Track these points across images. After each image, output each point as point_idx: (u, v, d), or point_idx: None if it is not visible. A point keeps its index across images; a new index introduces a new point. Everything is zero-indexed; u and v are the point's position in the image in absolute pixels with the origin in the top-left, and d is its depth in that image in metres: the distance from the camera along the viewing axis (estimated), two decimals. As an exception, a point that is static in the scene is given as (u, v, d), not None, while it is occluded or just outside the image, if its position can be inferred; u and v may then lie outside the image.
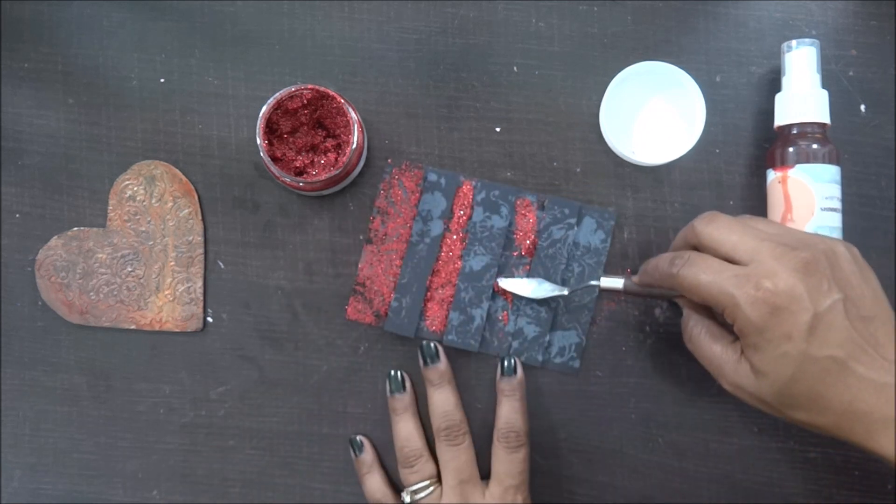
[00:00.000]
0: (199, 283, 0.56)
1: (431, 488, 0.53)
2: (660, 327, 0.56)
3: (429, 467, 0.54)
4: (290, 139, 0.53)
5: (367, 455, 0.55)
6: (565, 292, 0.54)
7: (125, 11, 0.57)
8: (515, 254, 0.56)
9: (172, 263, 0.56)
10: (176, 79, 0.57)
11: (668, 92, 0.56)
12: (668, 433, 0.56)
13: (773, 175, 0.54)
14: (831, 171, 0.53)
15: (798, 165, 0.53)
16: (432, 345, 0.54)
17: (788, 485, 0.56)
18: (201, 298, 0.56)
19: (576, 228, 0.56)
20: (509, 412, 0.53)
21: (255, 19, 0.57)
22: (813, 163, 0.52)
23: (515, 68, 0.57)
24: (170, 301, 0.56)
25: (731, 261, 0.45)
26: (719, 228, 0.46)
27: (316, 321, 0.56)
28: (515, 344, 0.55)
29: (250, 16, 0.57)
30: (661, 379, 0.56)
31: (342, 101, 0.51)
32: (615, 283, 0.52)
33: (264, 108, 0.51)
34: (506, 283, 0.55)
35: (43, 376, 0.56)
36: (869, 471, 0.56)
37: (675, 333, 0.56)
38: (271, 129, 0.52)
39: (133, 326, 0.56)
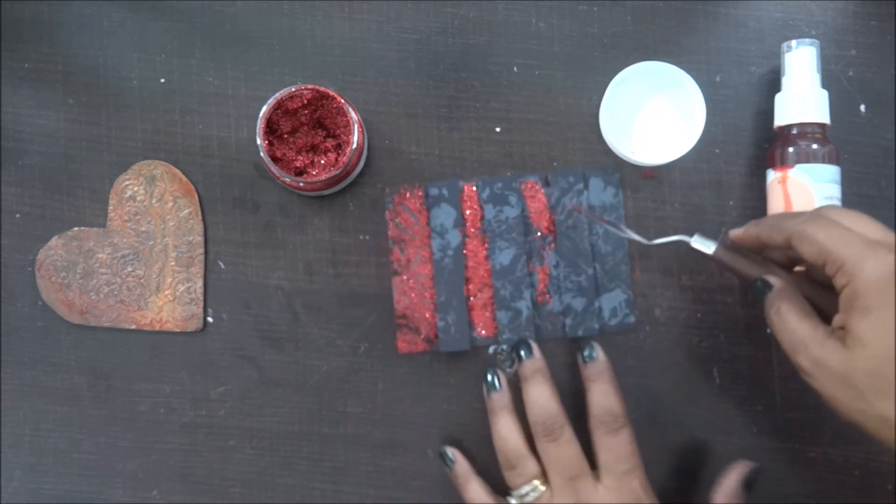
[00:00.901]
0: (200, 283, 0.56)
1: (541, 489, 0.50)
2: (660, 327, 0.56)
3: (532, 466, 0.51)
4: (290, 139, 0.53)
5: (461, 466, 0.53)
6: (644, 241, 0.52)
7: (125, 11, 0.57)
8: (538, 236, 0.56)
9: (173, 263, 0.56)
10: (176, 79, 0.57)
11: (668, 92, 0.56)
12: (668, 433, 0.56)
13: (773, 175, 0.54)
14: (831, 171, 0.53)
15: (798, 165, 0.53)
16: (527, 341, 0.54)
17: (788, 485, 0.56)
18: (201, 298, 0.56)
19: (586, 192, 0.56)
20: (600, 396, 0.51)
21: (255, 19, 0.57)
22: (813, 163, 0.52)
23: (515, 68, 0.57)
24: (170, 301, 0.56)
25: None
26: (848, 216, 0.43)
27: (316, 321, 0.56)
28: (568, 321, 0.55)
29: (250, 16, 0.57)
30: (662, 379, 0.56)
31: (342, 101, 0.51)
32: (707, 246, 0.49)
33: (264, 108, 0.51)
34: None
35: (43, 376, 0.56)
36: (869, 471, 0.56)
37: (675, 333, 0.56)
38: (271, 129, 0.52)
39: (133, 326, 0.56)
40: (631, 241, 0.56)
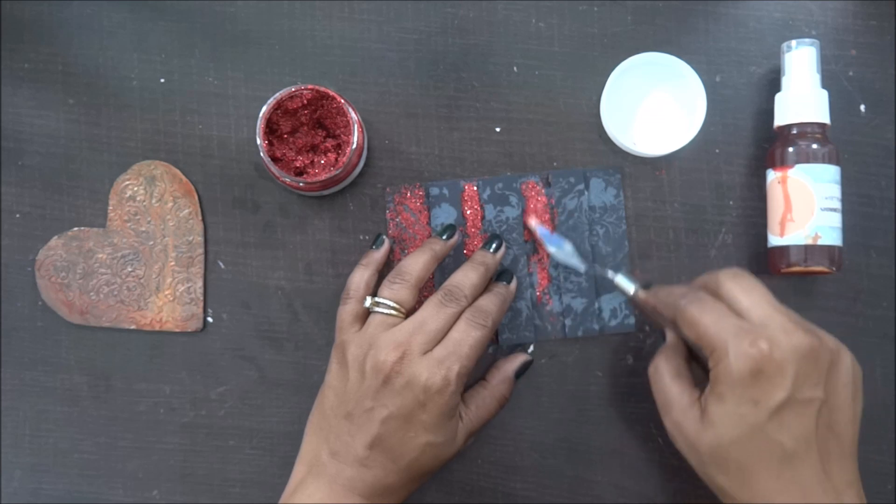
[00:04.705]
0: (200, 283, 0.56)
1: (394, 313, 0.50)
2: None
3: (407, 297, 0.50)
4: (290, 139, 0.53)
5: (379, 253, 0.53)
6: (582, 268, 0.54)
7: (125, 11, 0.57)
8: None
9: (172, 263, 0.56)
10: (176, 79, 0.57)
11: (669, 83, 0.56)
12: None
13: (773, 175, 0.54)
14: (831, 171, 0.53)
15: (798, 165, 0.53)
16: (501, 240, 0.54)
17: (788, 485, 0.56)
18: (201, 298, 0.56)
19: (587, 193, 0.56)
20: None
21: (255, 19, 0.57)
22: (813, 163, 0.52)
23: (515, 68, 0.57)
24: (170, 301, 0.56)
25: (741, 317, 0.44)
26: (742, 285, 0.45)
27: (316, 321, 0.56)
28: (568, 321, 0.56)
29: (250, 16, 0.57)
30: (661, 379, 0.56)
31: (342, 101, 0.51)
32: (628, 286, 0.51)
33: (264, 109, 0.51)
34: (536, 226, 0.55)
35: (43, 376, 0.56)
36: (869, 471, 0.56)
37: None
38: (271, 130, 0.52)
39: (133, 326, 0.56)
40: (630, 242, 0.56)
